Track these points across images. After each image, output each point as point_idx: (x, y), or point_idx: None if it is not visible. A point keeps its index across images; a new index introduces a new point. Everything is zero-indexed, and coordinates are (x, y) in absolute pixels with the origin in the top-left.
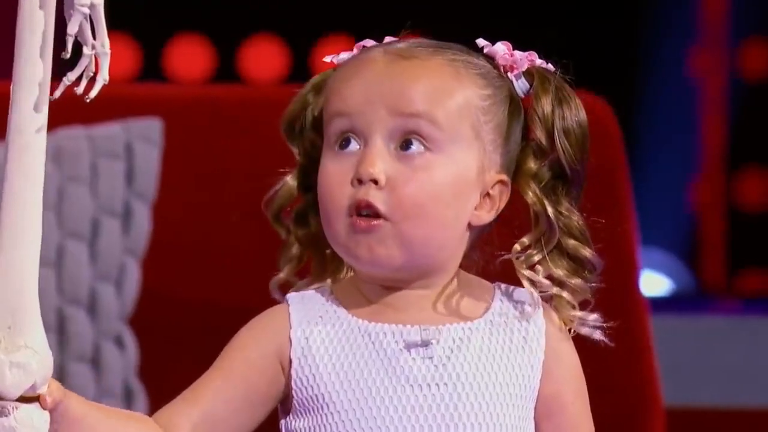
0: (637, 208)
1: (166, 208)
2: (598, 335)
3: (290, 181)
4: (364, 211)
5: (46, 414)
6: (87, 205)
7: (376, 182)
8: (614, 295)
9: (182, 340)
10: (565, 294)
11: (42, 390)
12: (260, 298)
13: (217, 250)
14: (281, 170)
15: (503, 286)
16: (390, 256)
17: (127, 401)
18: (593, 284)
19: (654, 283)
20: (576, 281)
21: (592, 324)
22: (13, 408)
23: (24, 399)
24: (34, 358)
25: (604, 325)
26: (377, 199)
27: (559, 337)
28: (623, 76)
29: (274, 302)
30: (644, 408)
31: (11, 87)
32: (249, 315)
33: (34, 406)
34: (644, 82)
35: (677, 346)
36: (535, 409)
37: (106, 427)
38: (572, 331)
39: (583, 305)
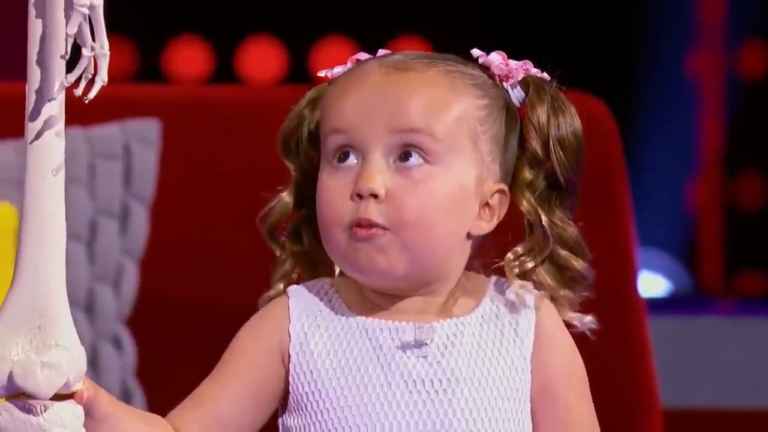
0: (634, 208)
1: (163, 209)
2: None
3: (286, 197)
4: (364, 224)
5: (79, 410)
6: (84, 206)
7: (375, 196)
8: (612, 295)
9: (180, 340)
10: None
11: (76, 387)
12: (258, 299)
13: (215, 251)
14: (278, 188)
15: (497, 279)
16: (391, 265)
17: (125, 402)
18: (583, 295)
19: (652, 284)
20: (565, 293)
21: (587, 325)
22: (41, 407)
23: (59, 396)
24: (64, 356)
25: (596, 328)
26: (376, 214)
27: (552, 326)
28: (621, 76)
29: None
30: (642, 409)
31: (26, 89)
32: (247, 315)
33: (67, 404)
34: (642, 82)
35: (675, 347)
36: (531, 400)
37: (129, 426)
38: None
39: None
